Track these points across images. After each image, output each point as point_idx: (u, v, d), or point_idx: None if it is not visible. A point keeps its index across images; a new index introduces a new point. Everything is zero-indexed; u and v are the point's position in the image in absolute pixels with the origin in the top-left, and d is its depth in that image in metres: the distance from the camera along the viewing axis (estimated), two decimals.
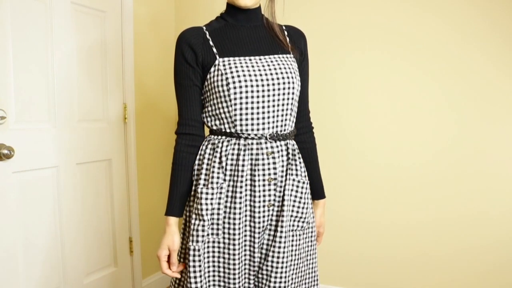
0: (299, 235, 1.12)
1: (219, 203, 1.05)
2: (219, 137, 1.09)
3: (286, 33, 1.15)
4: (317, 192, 1.23)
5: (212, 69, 1.05)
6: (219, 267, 1.07)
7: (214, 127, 1.11)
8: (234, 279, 1.06)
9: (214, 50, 1.07)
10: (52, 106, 1.71)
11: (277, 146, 1.08)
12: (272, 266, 1.06)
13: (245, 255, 1.08)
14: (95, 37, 1.90)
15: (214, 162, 1.06)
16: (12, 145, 1.54)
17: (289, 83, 1.06)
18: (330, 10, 2.04)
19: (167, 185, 2.41)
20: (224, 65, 1.04)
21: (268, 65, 1.06)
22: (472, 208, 1.84)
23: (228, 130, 1.07)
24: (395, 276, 2.00)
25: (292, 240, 1.10)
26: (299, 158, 1.12)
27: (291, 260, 1.09)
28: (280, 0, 2.03)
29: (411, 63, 1.90)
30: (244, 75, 1.03)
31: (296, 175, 1.10)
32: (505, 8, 1.74)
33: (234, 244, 1.04)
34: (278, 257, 1.06)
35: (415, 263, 1.96)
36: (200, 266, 1.04)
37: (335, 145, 2.07)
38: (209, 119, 1.11)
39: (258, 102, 1.04)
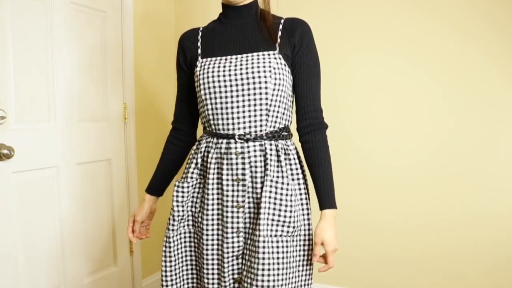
0: (286, 241, 1.04)
1: (193, 197, 1.13)
2: (205, 135, 1.14)
3: (281, 26, 1.09)
4: (319, 200, 1.08)
5: (196, 69, 1.11)
6: (196, 256, 1.15)
7: (203, 125, 1.16)
8: (207, 269, 1.10)
9: (199, 51, 1.12)
10: (52, 106, 1.71)
11: (248, 147, 1.05)
12: (255, 274, 1.02)
13: (213, 253, 1.10)
14: (95, 37, 1.90)
15: (193, 159, 1.13)
16: (12, 145, 1.54)
17: (259, 82, 1.02)
18: (329, 10, 2.04)
19: None
20: (201, 66, 1.08)
21: (241, 65, 1.04)
22: (473, 207, 1.84)
23: (208, 129, 1.12)
24: (395, 276, 2.00)
25: (277, 247, 1.02)
26: (289, 159, 1.08)
27: (278, 269, 1.02)
28: (280, 0, 2.03)
29: (411, 63, 1.90)
30: (213, 76, 1.05)
31: (277, 176, 1.05)
32: (503, 8, 1.73)
33: (206, 240, 1.09)
34: (258, 263, 1.01)
35: (415, 262, 1.96)
36: (170, 252, 1.12)
37: (335, 144, 2.07)
38: (200, 117, 1.17)
39: (227, 103, 1.05)
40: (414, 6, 1.87)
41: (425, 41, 1.87)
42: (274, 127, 1.07)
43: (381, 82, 1.96)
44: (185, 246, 1.15)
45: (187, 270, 1.16)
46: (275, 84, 1.03)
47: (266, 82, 1.02)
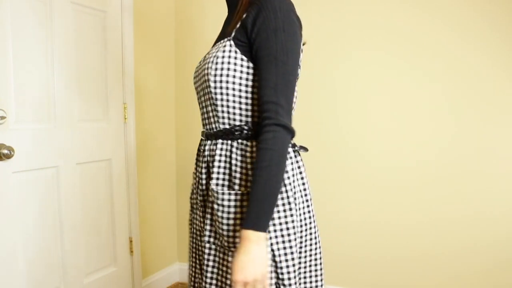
0: (222, 253, 0.93)
1: None
2: None
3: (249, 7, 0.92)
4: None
5: None
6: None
7: None
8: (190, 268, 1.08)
9: None
10: (52, 106, 1.71)
11: (205, 145, 0.98)
12: (199, 282, 1.01)
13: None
14: (95, 37, 1.90)
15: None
16: (12, 145, 1.54)
17: (203, 75, 0.93)
18: (329, 10, 2.04)
19: (167, 185, 2.42)
20: None
21: (204, 58, 0.97)
22: (473, 208, 1.84)
23: None
24: (395, 276, 2.00)
25: (214, 260, 0.94)
26: (228, 162, 0.93)
27: (215, 283, 0.94)
28: None
29: (411, 63, 1.90)
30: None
31: (214, 183, 0.93)
32: (504, 8, 1.74)
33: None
34: (201, 274, 0.97)
35: (415, 263, 1.96)
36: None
37: (335, 145, 2.07)
38: None
39: (197, 99, 1.03)
40: (414, 6, 1.87)
41: (425, 41, 1.87)
42: (227, 124, 0.94)
43: (381, 82, 1.96)
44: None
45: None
46: (215, 75, 0.90)
47: (207, 74, 0.92)
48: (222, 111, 0.93)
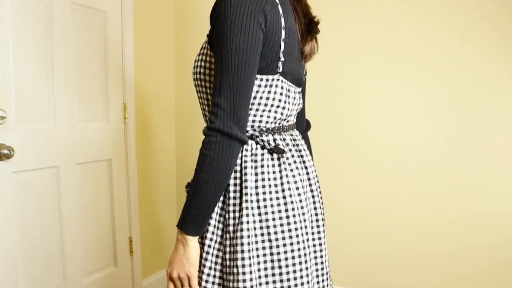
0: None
1: None
2: None
3: None
4: None
5: None
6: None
7: None
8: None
9: None
10: (52, 106, 1.71)
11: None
12: None
13: None
14: (95, 37, 1.90)
15: None
16: (12, 145, 1.54)
17: (192, 74, 0.94)
18: (329, 11, 2.04)
19: (166, 184, 2.42)
20: None
21: None
22: (473, 208, 1.84)
23: None
24: (395, 276, 2.00)
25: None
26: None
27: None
28: None
29: (411, 63, 1.90)
30: None
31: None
32: (504, 8, 1.73)
33: None
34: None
35: (415, 263, 1.96)
36: None
37: (336, 144, 2.07)
38: None
39: None
40: (413, 6, 1.87)
41: (425, 41, 1.87)
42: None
43: (381, 81, 1.96)
44: None
45: None
46: (194, 73, 0.91)
47: (192, 73, 0.94)
48: (204, 109, 0.93)
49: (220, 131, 0.78)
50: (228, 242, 0.86)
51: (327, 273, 1.00)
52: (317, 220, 0.99)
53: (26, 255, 1.62)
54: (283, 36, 0.86)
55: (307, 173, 0.97)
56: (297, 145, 0.97)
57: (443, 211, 1.89)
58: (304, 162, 0.97)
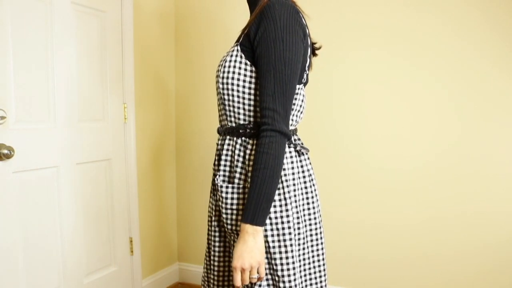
0: (225, 237, 1.08)
1: None
2: None
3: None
4: None
5: None
6: None
7: None
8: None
9: None
10: (52, 106, 1.71)
11: (218, 140, 1.09)
12: (208, 265, 1.15)
13: None
14: (95, 37, 1.90)
15: None
16: (12, 145, 1.54)
17: (216, 77, 1.04)
18: (329, 10, 2.04)
19: (166, 184, 2.42)
20: None
21: (220, 61, 1.09)
22: (473, 209, 1.84)
23: None
24: (395, 277, 2.00)
25: (219, 241, 1.09)
26: (231, 157, 1.03)
27: (222, 261, 1.10)
28: None
29: (413, 64, 1.90)
30: None
31: (219, 175, 1.04)
32: (508, 9, 1.73)
33: None
34: (209, 254, 1.14)
35: (415, 263, 1.96)
36: None
37: (335, 145, 2.07)
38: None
39: None
40: (417, 6, 1.87)
41: (428, 42, 1.87)
42: (233, 122, 1.03)
43: (383, 83, 1.96)
44: None
45: None
46: (223, 77, 1.00)
47: (218, 76, 1.03)
48: (229, 110, 1.02)
49: (279, 132, 0.91)
50: (270, 227, 0.97)
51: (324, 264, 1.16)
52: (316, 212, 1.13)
53: (26, 254, 1.62)
54: (309, 52, 1.02)
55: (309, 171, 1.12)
56: (302, 143, 1.12)
57: (444, 212, 1.89)
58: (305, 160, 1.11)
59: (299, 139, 1.07)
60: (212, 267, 1.11)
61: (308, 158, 1.08)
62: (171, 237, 2.47)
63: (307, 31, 1.00)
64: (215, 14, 2.30)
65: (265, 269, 0.98)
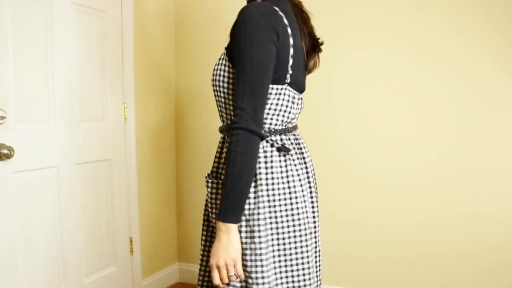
0: (212, 232, 1.14)
1: None
2: None
3: None
4: None
5: None
6: None
7: None
8: None
9: None
10: (52, 106, 1.71)
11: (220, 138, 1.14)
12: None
13: None
14: (95, 37, 1.90)
15: None
16: (12, 145, 1.54)
17: (212, 80, 1.08)
18: (329, 10, 2.04)
19: (166, 184, 2.42)
20: None
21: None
22: (473, 209, 1.84)
23: None
24: (395, 277, 2.00)
25: (206, 235, 1.15)
26: (219, 153, 1.09)
27: (206, 256, 1.15)
28: None
29: (413, 64, 1.90)
30: None
31: (210, 171, 1.11)
32: (508, 9, 1.73)
33: None
34: (201, 249, 1.17)
35: (415, 263, 1.96)
36: None
37: (336, 146, 2.07)
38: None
39: None
40: (418, 6, 1.87)
41: (428, 42, 1.87)
42: (225, 121, 1.08)
43: (383, 83, 1.96)
44: None
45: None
46: (213, 80, 1.05)
47: (211, 79, 1.11)
48: (220, 110, 1.08)
49: (245, 129, 0.93)
50: (244, 223, 0.99)
51: (319, 265, 1.15)
52: (313, 212, 1.12)
53: (26, 255, 1.62)
54: (291, 52, 1.01)
55: (306, 169, 1.11)
56: (299, 143, 1.11)
57: (444, 212, 1.89)
58: (304, 158, 1.11)
59: (288, 139, 1.07)
60: (200, 262, 1.16)
61: (298, 158, 1.08)
62: (171, 237, 2.47)
63: (288, 31, 1.00)
64: (215, 14, 2.30)
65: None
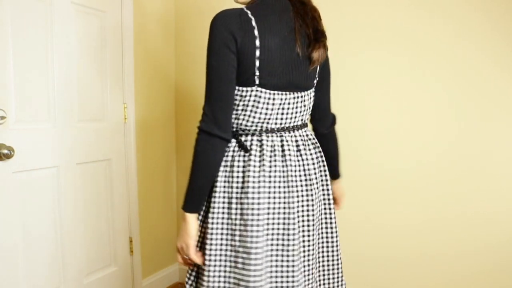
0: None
1: None
2: None
3: None
4: None
5: None
6: None
7: None
8: None
9: None
10: (52, 106, 1.71)
11: None
12: None
13: None
14: (95, 37, 1.90)
15: None
16: (12, 145, 1.54)
17: None
18: (329, 11, 2.04)
19: (166, 184, 2.42)
20: None
21: None
22: (473, 209, 1.84)
23: None
24: (395, 277, 2.00)
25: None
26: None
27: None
28: None
29: (413, 63, 1.90)
30: None
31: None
32: (509, 9, 1.73)
33: None
34: None
35: (415, 263, 1.96)
36: None
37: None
38: None
39: None
40: (418, 6, 1.87)
41: (427, 42, 1.87)
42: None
43: (383, 83, 1.96)
44: None
45: None
46: None
47: None
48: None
49: (204, 131, 1.01)
50: (200, 218, 1.12)
51: (309, 270, 1.12)
52: (302, 211, 1.11)
53: (26, 254, 1.62)
54: (257, 54, 1.01)
55: (304, 171, 1.11)
56: (298, 145, 1.11)
57: (445, 212, 1.89)
58: (302, 160, 1.11)
59: (270, 140, 1.07)
60: None
61: (285, 160, 1.07)
62: (171, 237, 2.47)
63: (255, 33, 0.99)
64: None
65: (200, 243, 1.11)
